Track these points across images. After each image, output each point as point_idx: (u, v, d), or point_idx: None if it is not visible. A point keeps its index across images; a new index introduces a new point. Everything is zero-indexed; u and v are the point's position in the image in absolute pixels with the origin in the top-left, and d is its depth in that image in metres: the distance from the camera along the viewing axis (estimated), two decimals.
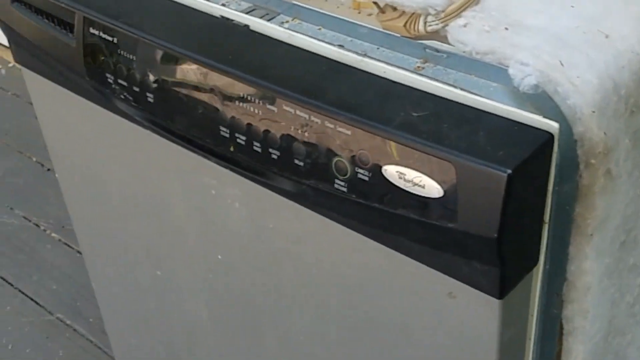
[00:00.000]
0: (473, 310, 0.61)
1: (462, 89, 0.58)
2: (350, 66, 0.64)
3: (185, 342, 1.01)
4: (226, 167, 0.73)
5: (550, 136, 0.54)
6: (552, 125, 0.54)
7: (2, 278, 1.75)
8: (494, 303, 0.59)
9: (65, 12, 0.77)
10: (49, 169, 2.04)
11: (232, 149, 0.69)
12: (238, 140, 0.68)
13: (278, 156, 0.66)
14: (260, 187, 0.71)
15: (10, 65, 2.50)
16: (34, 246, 1.82)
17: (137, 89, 0.74)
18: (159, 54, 0.72)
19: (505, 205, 0.53)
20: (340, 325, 0.74)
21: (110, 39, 0.74)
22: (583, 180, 0.59)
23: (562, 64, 0.58)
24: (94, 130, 0.89)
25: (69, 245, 1.81)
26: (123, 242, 0.99)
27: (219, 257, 0.84)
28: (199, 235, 0.85)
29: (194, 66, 0.68)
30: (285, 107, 0.63)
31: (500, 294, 0.58)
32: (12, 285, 1.73)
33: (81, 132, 0.92)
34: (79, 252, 1.78)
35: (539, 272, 0.61)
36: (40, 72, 0.88)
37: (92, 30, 0.75)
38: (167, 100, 0.73)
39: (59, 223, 1.86)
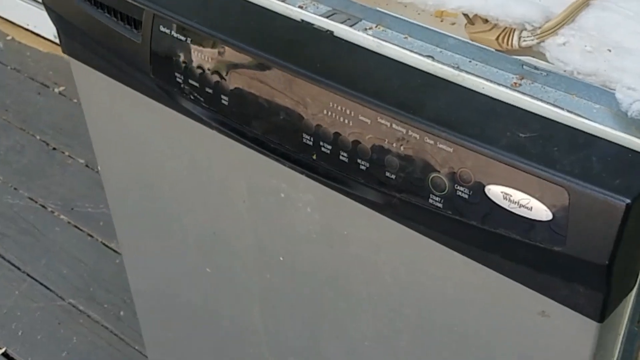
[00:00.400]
0: (567, 332, 0.60)
1: (569, 111, 0.57)
2: (445, 80, 0.63)
3: (231, 345, 1.00)
4: (301, 173, 0.72)
5: None
6: None
7: (8, 262, 1.70)
8: (593, 326, 0.58)
9: (132, 9, 0.75)
10: (54, 148, 1.98)
11: (314, 157, 0.68)
12: (323, 148, 0.67)
13: (367, 167, 0.64)
14: (338, 194, 0.70)
15: (9, 38, 2.43)
16: (41, 229, 1.77)
17: (210, 91, 0.72)
18: (238, 56, 0.69)
19: (620, 235, 0.53)
20: (416, 342, 0.73)
21: (183, 38, 0.72)
22: None
23: None
24: (149, 126, 0.86)
25: (79, 228, 1.77)
26: (171, 240, 0.97)
27: (281, 258, 0.82)
28: (260, 236, 0.83)
29: (279, 72, 0.67)
30: (380, 120, 0.62)
31: (601, 318, 0.57)
32: (19, 269, 1.68)
33: (133, 128, 0.90)
34: (90, 235, 1.75)
35: (631, 295, 0.61)
36: (95, 65, 0.85)
37: (162, 29, 0.72)
38: (244, 103, 0.70)
39: (67, 204, 1.82)
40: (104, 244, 1.72)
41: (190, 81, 0.73)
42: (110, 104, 0.90)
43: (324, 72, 0.65)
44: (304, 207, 0.76)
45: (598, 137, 0.56)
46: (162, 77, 0.75)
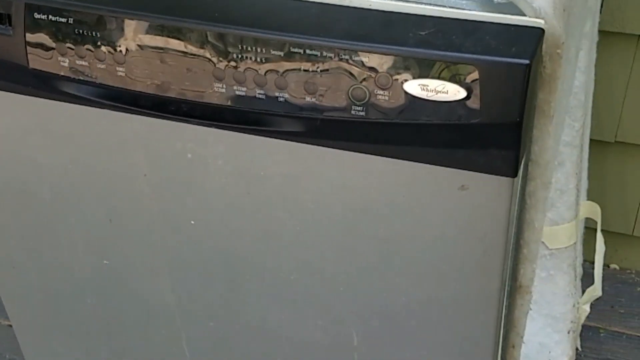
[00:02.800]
0: (486, 196, 0.67)
1: (450, 7, 0.64)
2: (337, 5, 0.66)
3: (141, 331, 0.95)
4: (210, 126, 0.70)
5: (542, 31, 0.62)
6: (540, 22, 0.62)
7: None
8: (509, 182, 0.65)
9: None
10: None
11: (229, 102, 0.67)
12: (237, 92, 0.66)
13: (286, 98, 0.66)
14: (251, 136, 0.70)
15: None
16: None
17: (102, 66, 0.68)
18: (127, 24, 0.66)
19: (525, 92, 0.60)
20: (344, 261, 0.76)
21: (64, 20, 0.67)
22: (546, 70, 0.68)
23: None
24: (24, 126, 0.78)
25: None
26: (56, 244, 0.90)
27: (192, 222, 0.80)
28: (166, 207, 0.80)
29: (177, 28, 0.65)
30: (293, 50, 0.63)
31: (514, 173, 0.65)
32: None
33: (10, 132, 0.80)
34: None
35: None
36: None
37: (37, 16, 0.67)
38: (143, 70, 0.68)
39: None
40: None
41: (78, 62, 0.68)
42: None
43: (223, 18, 0.65)
44: (215, 161, 0.75)
45: (481, 22, 0.62)
46: (42, 66, 0.70)
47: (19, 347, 1.17)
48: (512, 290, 0.82)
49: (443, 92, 0.61)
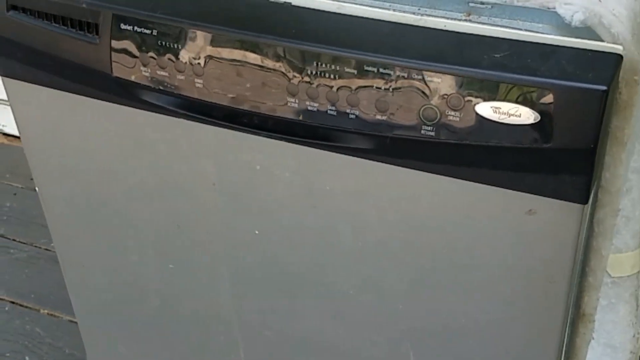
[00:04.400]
0: (555, 222, 0.65)
1: (527, 30, 0.62)
2: (409, 24, 0.65)
3: (199, 338, 0.96)
4: (280, 139, 0.70)
5: (620, 57, 0.60)
6: (618, 48, 0.60)
7: None
8: (579, 209, 0.63)
9: (86, 13, 0.70)
10: None
11: (300, 117, 0.67)
12: (309, 107, 0.66)
13: (356, 115, 0.65)
14: (320, 150, 0.70)
15: None
16: None
17: (182, 77, 0.69)
18: (208, 38, 0.67)
19: (601, 118, 0.58)
20: (407, 278, 0.74)
21: (148, 32, 0.68)
22: (622, 96, 0.66)
23: (599, 0, 0.64)
24: (102, 131, 0.80)
25: None
26: (124, 246, 0.91)
27: (256, 232, 0.80)
28: (232, 215, 0.80)
29: (255, 44, 0.66)
30: (367, 68, 0.63)
31: (585, 199, 0.63)
32: None
33: (81, 136, 0.83)
34: None
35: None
36: (36, 81, 0.78)
37: (123, 27, 0.68)
38: (221, 83, 0.68)
39: None
40: None
41: (159, 72, 0.70)
42: (52, 117, 0.82)
43: (300, 35, 0.65)
44: (282, 174, 0.75)
45: (558, 46, 0.60)
46: (125, 74, 0.71)
47: (78, 343, 1.19)
48: (574, 318, 0.79)
49: (515, 115, 0.60)
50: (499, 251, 0.68)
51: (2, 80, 0.83)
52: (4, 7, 0.73)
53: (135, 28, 0.68)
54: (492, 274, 0.69)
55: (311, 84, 0.65)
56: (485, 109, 0.60)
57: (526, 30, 0.62)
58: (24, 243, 1.68)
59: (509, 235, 0.67)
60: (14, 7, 0.73)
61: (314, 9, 0.67)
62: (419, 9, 0.68)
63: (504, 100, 0.59)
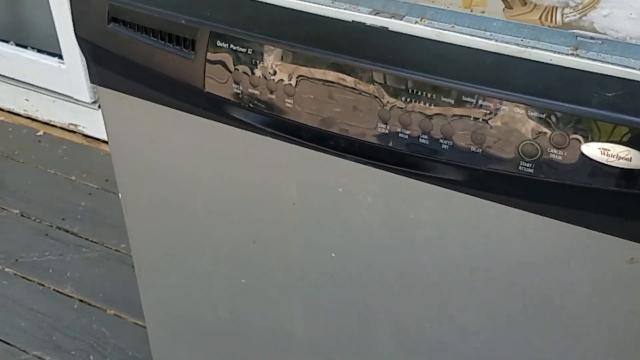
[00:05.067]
0: None
1: None
2: (513, 56, 0.62)
3: (266, 357, 0.95)
4: (365, 164, 0.68)
5: None
6: None
7: None
8: None
9: (184, 29, 0.70)
10: None
11: (390, 143, 0.65)
12: (400, 134, 0.64)
13: (450, 145, 0.63)
14: (404, 177, 0.67)
15: None
16: None
17: (272, 96, 0.68)
18: (302, 58, 0.66)
19: None
20: (507, 313, 0.70)
21: (243, 50, 0.67)
22: None
23: None
24: (188, 144, 0.80)
25: (27, 279, 1.61)
26: (200, 258, 0.91)
27: (333, 255, 0.78)
28: (309, 236, 0.79)
29: (349, 68, 0.64)
30: (464, 98, 0.60)
31: None
32: None
33: (168, 148, 0.83)
34: (40, 284, 1.61)
35: None
36: (130, 92, 0.78)
37: (219, 44, 0.68)
38: (311, 105, 0.67)
39: (10, 257, 1.66)
40: (57, 291, 1.59)
41: (250, 90, 0.69)
42: (141, 127, 0.82)
43: (396, 62, 0.63)
44: (365, 198, 0.72)
45: None
46: (217, 90, 0.71)
47: (141, 346, 1.19)
48: None
49: (625, 159, 0.56)
50: (595, 299, 0.64)
51: (97, 89, 0.84)
52: (105, 19, 0.74)
53: (231, 46, 0.67)
54: (585, 323, 0.65)
55: (405, 110, 0.63)
56: (593, 150, 0.57)
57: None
58: (96, 242, 1.70)
59: (607, 283, 0.63)
60: (115, 20, 0.74)
61: (411, 35, 0.65)
62: (522, 40, 0.65)
63: (613, 142, 0.56)
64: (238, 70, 0.68)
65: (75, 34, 0.76)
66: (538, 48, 0.62)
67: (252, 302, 0.92)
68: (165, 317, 1.06)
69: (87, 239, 1.72)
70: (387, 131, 0.64)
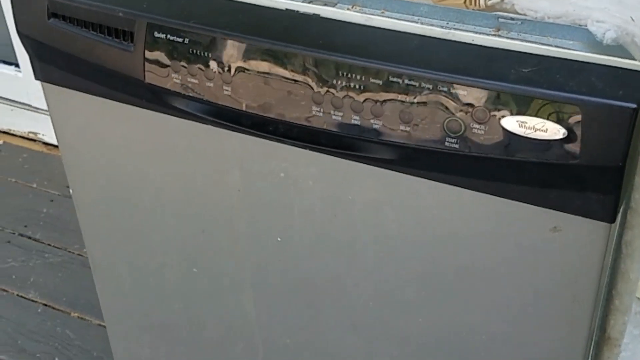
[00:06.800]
0: (580, 240, 0.63)
1: (556, 46, 0.61)
2: (437, 38, 0.65)
3: (220, 344, 0.95)
4: (305, 147, 0.70)
5: None
6: None
7: None
8: (605, 228, 0.61)
9: (121, 21, 0.71)
10: None
11: (325, 126, 0.67)
12: (334, 117, 0.66)
13: (380, 126, 0.64)
14: (343, 159, 0.69)
15: None
16: None
17: (210, 85, 0.69)
18: (238, 47, 0.67)
19: (630, 136, 0.56)
20: (426, 290, 0.73)
21: (180, 40, 0.68)
22: None
23: (632, 20, 0.62)
24: (134, 136, 0.80)
25: None
26: (152, 250, 0.91)
27: (279, 239, 0.80)
28: (255, 222, 0.80)
29: (282, 53, 0.65)
30: (392, 79, 0.62)
31: (612, 219, 0.61)
32: None
33: (114, 141, 0.83)
34: (4, 290, 1.60)
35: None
36: (73, 86, 0.79)
37: (157, 35, 0.69)
38: (248, 91, 0.68)
39: None
40: (20, 296, 1.57)
41: (189, 79, 0.70)
42: (87, 122, 0.83)
43: (327, 46, 0.65)
44: (305, 182, 0.74)
45: (588, 63, 0.59)
46: (157, 81, 0.71)
47: (106, 346, 1.19)
48: (599, 341, 0.77)
49: (542, 131, 0.58)
50: (521, 268, 0.66)
51: (42, 86, 0.85)
52: (45, 14, 0.75)
53: (168, 36, 0.68)
54: (514, 291, 0.67)
55: (336, 94, 0.65)
56: (511, 123, 0.59)
57: (556, 46, 0.61)
58: (58, 248, 1.70)
59: (532, 251, 0.65)
60: (55, 15, 0.75)
61: (341, 21, 0.67)
62: (447, 23, 0.67)
63: (530, 115, 0.58)
64: (176, 60, 0.70)
65: (17, 31, 0.76)
66: (462, 30, 0.64)
67: (204, 291, 0.92)
68: (123, 315, 1.06)
69: (49, 245, 1.72)
70: (321, 114, 0.66)
